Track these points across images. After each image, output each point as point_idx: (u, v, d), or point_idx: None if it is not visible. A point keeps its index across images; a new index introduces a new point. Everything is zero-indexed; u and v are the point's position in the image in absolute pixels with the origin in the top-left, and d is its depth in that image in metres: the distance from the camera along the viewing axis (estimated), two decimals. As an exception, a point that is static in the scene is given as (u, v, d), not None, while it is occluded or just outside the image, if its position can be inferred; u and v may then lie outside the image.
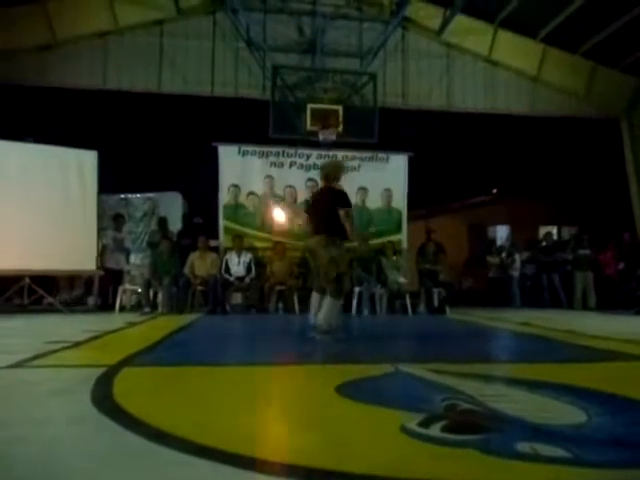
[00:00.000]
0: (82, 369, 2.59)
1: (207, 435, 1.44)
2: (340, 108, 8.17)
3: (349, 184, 8.06)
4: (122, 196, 9.28)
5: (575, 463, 1.27)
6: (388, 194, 8.30)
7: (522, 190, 11.96)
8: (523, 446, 1.35)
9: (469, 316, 6.67)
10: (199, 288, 7.21)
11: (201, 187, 9.22)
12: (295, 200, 8.20)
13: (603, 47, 8.67)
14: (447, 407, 1.79)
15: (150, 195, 9.46)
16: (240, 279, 7.15)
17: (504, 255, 9.36)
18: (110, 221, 7.87)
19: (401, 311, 7.21)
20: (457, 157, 11.39)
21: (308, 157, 8.27)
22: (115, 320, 5.61)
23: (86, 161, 6.92)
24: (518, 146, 10.91)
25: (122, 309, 7.07)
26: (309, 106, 8.10)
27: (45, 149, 6.74)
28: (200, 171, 9.10)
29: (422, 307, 7.35)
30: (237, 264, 7.26)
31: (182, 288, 7.05)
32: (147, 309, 6.80)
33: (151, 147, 10.51)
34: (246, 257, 7.33)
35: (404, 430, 1.50)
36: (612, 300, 8.18)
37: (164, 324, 5.32)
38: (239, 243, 7.44)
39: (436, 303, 7.38)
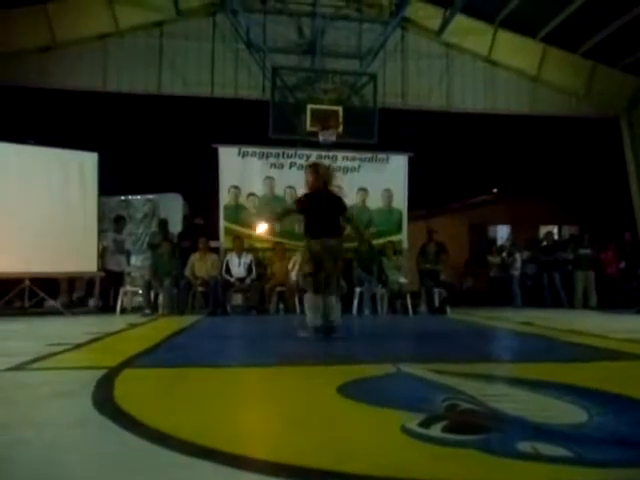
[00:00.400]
0: (83, 371, 2.59)
1: (208, 436, 1.44)
2: (340, 109, 8.17)
3: (349, 185, 8.10)
4: (122, 198, 9.29)
5: (577, 462, 1.27)
6: (388, 194, 8.30)
7: (523, 189, 11.96)
8: (524, 446, 1.35)
9: (470, 316, 6.66)
10: (200, 289, 7.22)
11: (201, 188, 9.23)
12: (295, 201, 8.19)
13: (603, 47, 8.67)
14: (448, 407, 1.79)
15: (150, 197, 9.46)
16: (241, 280, 7.15)
17: (505, 255, 9.36)
18: (111, 223, 7.87)
19: (402, 311, 7.21)
20: (457, 157, 11.39)
21: (308, 158, 8.26)
22: (116, 322, 5.61)
23: (87, 163, 6.93)
24: (518, 146, 10.91)
25: (123, 311, 7.07)
26: (309, 107, 8.10)
27: (45, 151, 6.74)
28: (200, 172, 9.10)
29: (423, 307, 7.35)
30: (238, 265, 7.26)
31: (183, 289, 7.05)
32: (148, 311, 6.80)
33: (151, 149, 10.52)
34: (246, 258, 7.33)
35: (405, 430, 1.50)
36: (613, 299, 8.17)
37: (165, 325, 5.32)
38: (239, 244, 7.44)
39: (437, 303, 7.37)
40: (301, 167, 8.25)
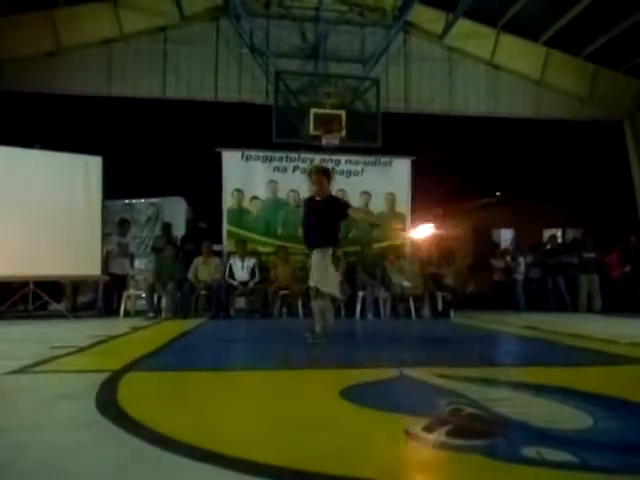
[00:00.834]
0: (87, 374, 2.59)
1: (211, 439, 1.44)
2: (343, 113, 8.18)
3: (352, 188, 8.12)
4: (126, 201, 9.33)
5: (581, 468, 1.26)
6: (391, 198, 8.29)
7: (526, 193, 11.93)
8: (529, 451, 1.34)
9: (473, 320, 6.64)
10: (202, 293, 7.22)
11: (205, 192, 9.25)
12: (298, 205, 8.21)
13: (606, 50, 8.66)
14: (452, 412, 1.78)
15: (154, 200, 9.50)
16: (244, 284, 7.16)
17: (508, 258, 9.32)
18: (115, 226, 7.90)
19: (405, 315, 7.19)
20: (461, 160, 11.38)
21: (311, 162, 8.28)
22: (119, 325, 5.62)
23: (91, 167, 6.96)
24: (522, 149, 10.89)
25: (126, 314, 7.08)
26: (312, 111, 8.12)
27: (50, 155, 6.78)
28: (204, 176, 9.13)
29: (426, 311, 7.33)
30: (241, 269, 7.27)
31: (186, 293, 7.06)
32: (151, 314, 6.81)
33: (155, 152, 10.56)
34: (250, 262, 7.34)
35: (409, 435, 1.50)
36: (618, 303, 8.12)
37: (168, 329, 5.32)
38: (242, 248, 7.45)
39: (440, 307, 7.35)
40: (304, 171, 8.27)
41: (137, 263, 7.98)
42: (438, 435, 1.50)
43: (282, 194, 8.19)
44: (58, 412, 1.81)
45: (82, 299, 8.05)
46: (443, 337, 5.09)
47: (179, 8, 8.41)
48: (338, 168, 8.37)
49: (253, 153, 8.19)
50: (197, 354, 3.56)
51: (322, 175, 3.95)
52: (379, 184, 8.20)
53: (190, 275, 7.18)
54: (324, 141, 8.08)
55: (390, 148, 8.39)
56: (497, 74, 9.34)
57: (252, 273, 7.24)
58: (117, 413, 1.74)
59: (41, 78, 8.17)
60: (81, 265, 6.75)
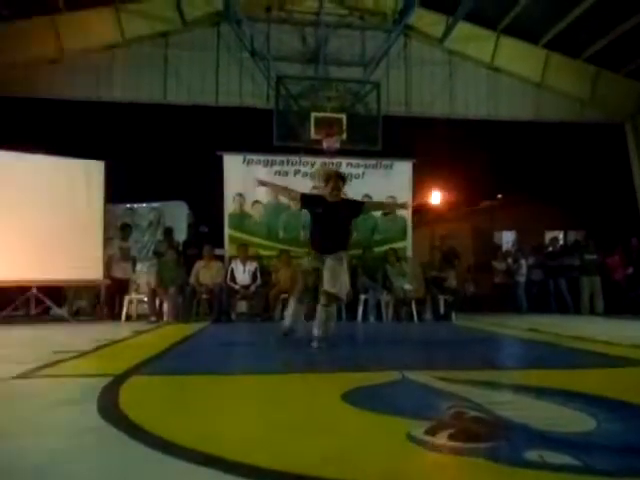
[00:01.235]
0: (89, 379, 2.60)
1: (212, 444, 1.44)
2: (344, 116, 8.20)
3: (354, 191, 8.09)
4: (128, 206, 9.35)
5: (584, 471, 1.25)
6: (393, 201, 8.31)
7: (528, 195, 11.92)
8: (531, 454, 1.34)
9: (475, 322, 6.63)
10: (204, 297, 7.23)
11: (206, 196, 9.27)
12: (300, 208, 8.22)
13: (606, 52, 8.67)
14: (454, 415, 1.78)
15: (156, 205, 9.52)
16: (245, 287, 7.16)
17: (510, 261, 9.31)
18: (117, 231, 7.92)
19: (407, 318, 7.18)
20: (462, 163, 11.39)
21: (312, 165, 8.30)
22: (121, 329, 5.63)
23: (93, 171, 7.00)
24: (523, 151, 10.90)
25: (128, 318, 7.09)
26: (313, 114, 8.14)
27: (53, 160, 6.82)
28: (205, 180, 9.15)
29: (428, 314, 7.32)
30: (242, 272, 7.28)
31: (188, 297, 7.07)
32: (153, 318, 6.82)
33: (157, 157, 10.60)
34: (251, 266, 7.35)
35: (411, 438, 1.49)
36: (620, 305, 8.10)
37: (170, 333, 5.32)
38: (244, 252, 7.46)
39: (442, 310, 7.34)
40: (305, 174, 8.29)
41: (139, 267, 7.99)
42: (440, 438, 1.49)
43: (284, 198, 8.20)
44: (60, 417, 1.81)
45: (81, 303, 8.05)
46: (445, 340, 5.08)
47: (180, 13, 8.46)
48: (340, 171, 8.38)
49: (254, 157, 8.22)
50: (199, 358, 3.56)
51: (341, 181, 3.90)
52: (380, 187, 8.20)
53: (192, 279, 7.19)
54: (325, 144, 8.10)
55: (391, 151, 8.40)
56: (497, 77, 9.35)
57: (253, 277, 7.25)
58: (119, 417, 1.74)
59: (44, 84, 8.21)
60: (83, 269, 6.77)
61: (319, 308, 3.88)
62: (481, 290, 9.46)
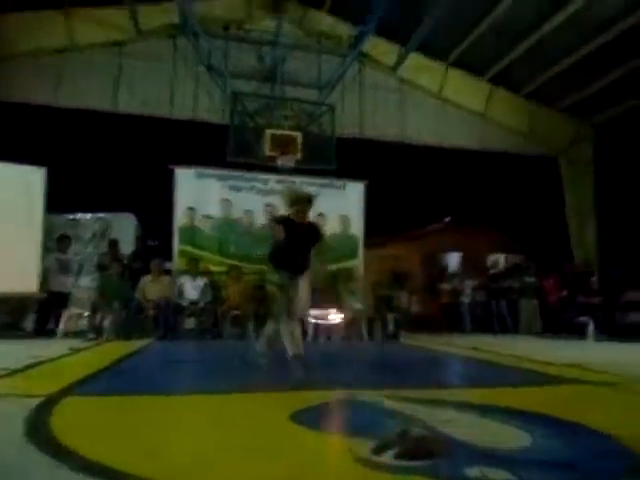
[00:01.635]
0: (18, 399, 2.41)
1: (151, 468, 1.38)
2: (299, 135, 8.30)
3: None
4: (71, 216, 8.90)
5: (520, 486, 1.31)
6: (345, 220, 8.44)
7: (473, 220, 12.47)
8: (472, 470, 1.38)
9: (422, 341, 6.79)
10: (151, 313, 6.95)
11: (156, 209, 8.99)
12: (252, 224, 8.18)
13: (544, 89, 9.36)
14: (400, 433, 1.81)
15: (101, 215, 9.13)
16: (194, 303, 6.96)
17: (456, 282, 9.67)
18: (54, 242, 7.46)
19: (357, 337, 7.24)
20: (412, 187, 11.77)
21: (266, 182, 8.31)
22: (57, 346, 5.28)
23: (33, 178, 6.63)
24: (469, 179, 11.42)
25: (65, 335, 6.68)
26: (268, 132, 8.18)
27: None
28: (155, 193, 8.89)
29: (378, 333, 7.42)
30: (191, 288, 7.09)
31: (133, 313, 6.78)
32: (92, 335, 6.47)
33: (105, 167, 10.19)
34: (201, 281, 7.18)
35: (357, 458, 1.50)
36: (555, 326, 8.58)
37: (111, 350, 5.07)
38: (195, 266, 7.29)
39: (391, 329, 7.47)
40: (260, 191, 8.28)
41: (81, 281, 7.58)
42: (386, 458, 1.51)
43: (236, 214, 8.13)
44: (-16, 441, 1.67)
45: (11, 317, 7.47)
46: (392, 359, 5.16)
47: (135, 23, 8.30)
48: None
49: (207, 171, 8.12)
50: (140, 377, 3.41)
51: (309, 204, 3.80)
52: (333, 206, 8.32)
53: (137, 294, 6.92)
54: (280, 162, 8.14)
55: (345, 172, 8.57)
56: (445, 107, 9.82)
57: (203, 292, 7.08)
58: (46, 440, 1.63)
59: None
60: (17, 282, 6.34)
61: (286, 326, 3.69)
62: (427, 310, 9.73)
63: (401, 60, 9.14)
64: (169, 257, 7.82)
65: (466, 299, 9.28)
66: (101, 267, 7.64)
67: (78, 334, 6.85)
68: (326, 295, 7.35)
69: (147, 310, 6.88)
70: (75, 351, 4.88)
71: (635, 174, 8.68)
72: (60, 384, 2.70)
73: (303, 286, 3.84)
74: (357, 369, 4.23)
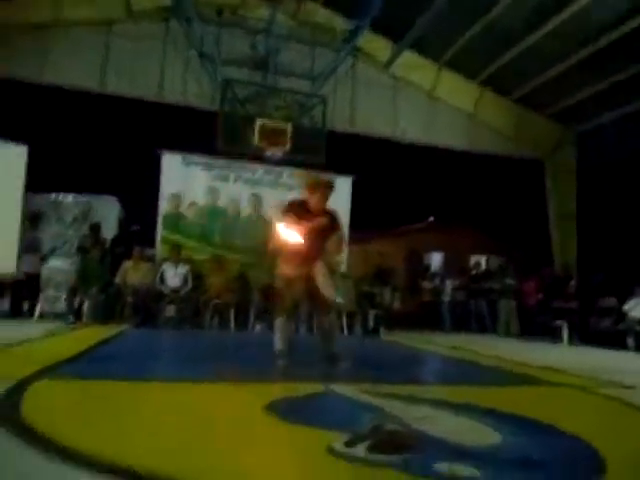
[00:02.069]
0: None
1: (121, 454, 1.37)
2: (289, 126, 8.24)
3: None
4: (53, 196, 8.71)
5: (487, 482, 1.34)
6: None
7: (457, 220, 12.60)
8: (441, 466, 1.41)
9: (402, 338, 6.85)
10: (129, 299, 6.87)
11: (140, 193, 8.87)
12: (239, 214, 8.13)
13: (532, 95, 9.47)
14: (374, 427, 1.83)
15: (84, 198, 8.96)
16: (175, 291, 6.91)
17: (437, 281, 9.77)
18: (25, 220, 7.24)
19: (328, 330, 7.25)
20: (398, 184, 11.83)
21: (254, 172, 8.26)
22: (33, 329, 5.20)
23: (14, 156, 6.47)
24: (455, 179, 11.52)
25: (42, 317, 6.57)
26: (258, 121, 8.10)
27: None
28: (140, 177, 8.76)
29: (358, 328, 7.47)
30: (173, 275, 7.02)
31: (112, 298, 6.69)
32: (71, 318, 6.38)
33: (89, 147, 9.99)
34: (183, 269, 7.11)
35: (330, 450, 1.51)
36: (531, 328, 8.74)
37: (88, 335, 5.01)
38: (177, 253, 7.22)
39: (372, 324, 7.52)
40: (246, 181, 8.23)
41: (59, 263, 7.43)
42: (358, 450, 1.53)
43: (222, 202, 8.06)
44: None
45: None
46: (371, 354, 5.20)
47: (127, 3, 8.12)
48: (281, 180, 8.41)
49: (194, 158, 8.03)
50: (116, 363, 3.37)
51: (330, 191, 3.58)
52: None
53: (118, 279, 6.83)
54: (268, 152, 8.08)
55: (333, 165, 8.53)
56: (436, 106, 9.86)
57: (184, 280, 7.02)
58: (17, 424, 1.61)
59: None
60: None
61: (321, 320, 3.69)
62: (408, 307, 9.82)
63: (394, 57, 9.13)
64: (152, 243, 7.73)
65: (446, 298, 9.39)
66: (82, 250, 7.51)
67: (57, 316, 6.74)
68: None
69: (126, 295, 6.81)
70: (52, 334, 4.81)
71: (616, 181, 8.86)
72: (34, 367, 2.65)
73: (321, 275, 3.54)
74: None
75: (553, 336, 7.68)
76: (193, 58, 8.61)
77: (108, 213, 8.96)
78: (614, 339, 7.25)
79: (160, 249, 7.66)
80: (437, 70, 9.58)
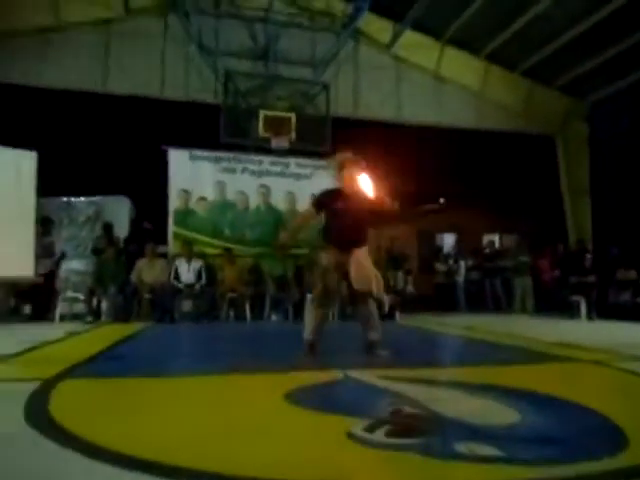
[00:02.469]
0: (16, 383, 2.44)
1: (148, 449, 1.41)
2: (293, 115, 8.20)
3: (302, 191, 8.16)
4: (64, 199, 8.83)
5: (507, 461, 1.35)
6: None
7: (468, 200, 12.48)
8: (460, 447, 1.42)
9: (417, 321, 6.86)
10: (147, 296, 6.97)
11: (150, 191, 8.93)
12: (247, 206, 8.15)
13: (540, 67, 9.25)
14: (392, 412, 1.85)
15: (95, 199, 9.06)
16: (190, 286, 6.99)
17: (451, 262, 9.72)
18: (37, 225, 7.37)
19: (353, 317, 7.29)
20: (408, 167, 11.72)
21: (260, 163, 8.26)
22: (54, 330, 5.31)
23: (24, 162, 6.55)
24: (465, 158, 11.37)
25: (62, 318, 6.70)
26: (262, 112, 8.08)
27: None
28: (149, 175, 8.82)
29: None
30: (187, 271, 7.09)
31: (129, 296, 6.80)
32: (90, 318, 6.51)
33: (97, 149, 10.07)
34: (196, 264, 7.18)
35: (350, 436, 1.53)
36: (548, 304, 8.68)
37: (108, 333, 5.10)
38: (189, 249, 7.28)
39: (387, 309, 7.53)
40: (253, 172, 8.23)
41: (74, 265, 7.54)
42: (378, 435, 1.54)
43: (230, 195, 8.09)
44: (-18, 425, 1.70)
45: (7, 302, 7.45)
46: (387, 339, 5.22)
47: (124, 1, 8.09)
48: (287, 171, 8.39)
49: (201, 153, 8.05)
50: (137, 360, 3.44)
51: (359, 167, 3.55)
52: (328, 187, 8.27)
53: (133, 277, 6.93)
54: (273, 143, 8.06)
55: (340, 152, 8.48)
56: (441, 85, 9.70)
57: (198, 275, 7.09)
58: (47, 424, 1.66)
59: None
60: (11, 266, 6.32)
61: (358, 309, 3.67)
62: (423, 290, 9.80)
63: (396, 38, 8.98)
64: (164, 240, 7.80)
65: (460, 279, 9.36)
66: (96, 251, 7.62)
67: (76, 317, 6.87)
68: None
69: (143, 293, 6.91)
70: (72, 335, 4.91)
71: (630, 153, 8.66)
72: (58, 368, 2.72)
73: (357, 264, 3.42)
74: (352, 349, 4.27)
75: (570, 312, 7.61)
76: (193, 52, 8.57)
77: (119, 212, 9.06)
78: (634, 312, 7.17)
79: (172, 245, 7.73)
80: (440, 48, 9.40)
